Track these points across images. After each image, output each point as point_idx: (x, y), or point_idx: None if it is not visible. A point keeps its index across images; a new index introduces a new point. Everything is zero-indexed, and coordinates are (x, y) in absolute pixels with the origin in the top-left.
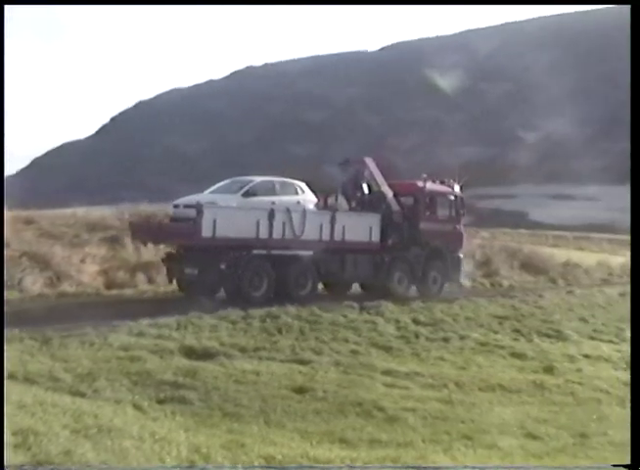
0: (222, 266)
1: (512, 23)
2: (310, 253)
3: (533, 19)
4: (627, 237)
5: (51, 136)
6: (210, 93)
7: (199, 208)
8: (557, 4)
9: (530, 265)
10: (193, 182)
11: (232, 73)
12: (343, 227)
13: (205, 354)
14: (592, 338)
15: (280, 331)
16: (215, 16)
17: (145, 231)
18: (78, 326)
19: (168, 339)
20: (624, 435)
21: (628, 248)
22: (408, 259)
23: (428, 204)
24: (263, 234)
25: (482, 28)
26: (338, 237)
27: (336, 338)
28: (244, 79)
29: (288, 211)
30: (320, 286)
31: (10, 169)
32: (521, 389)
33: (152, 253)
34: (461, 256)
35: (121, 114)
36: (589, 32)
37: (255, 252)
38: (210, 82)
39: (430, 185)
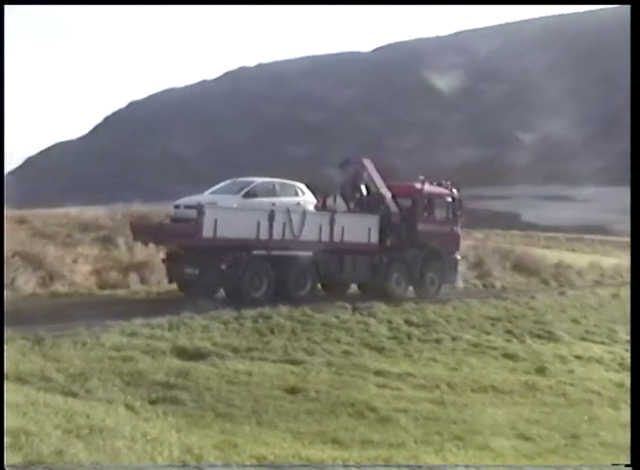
0: (223, 267)
1: (511, 23)
2: (310, 253)
3: (531, 19)
4: (619, 238)
5: (44, 135)
6: (204, 93)
7: (200, 208)
8: (557, 4)
9: (523, 267)
10: (188, 183)
11: (225, 74)
12: (343, 228)
13: (198, 355)
14: (584, 339)
15: (272, 331)
16: (208, 16)
17: (146, 231)
18: (71, 326)
19: (161, 339)
20: (616, 436)
21: (620, 249)
22: (406, 261)
23: (425, 205)
24: (263, 235)
25: (480, 29)
26: (337, 238)
27: (328, 338)
28: (237, 80)
29: (288, 212)
30: (318, 286)
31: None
32: (513, 390)
33: (144, 253)
34: (458, 257)
35: (115, 114)
36: (581, 33)
37: (256, 252)
38: (204, 83)
39: (427, 187)
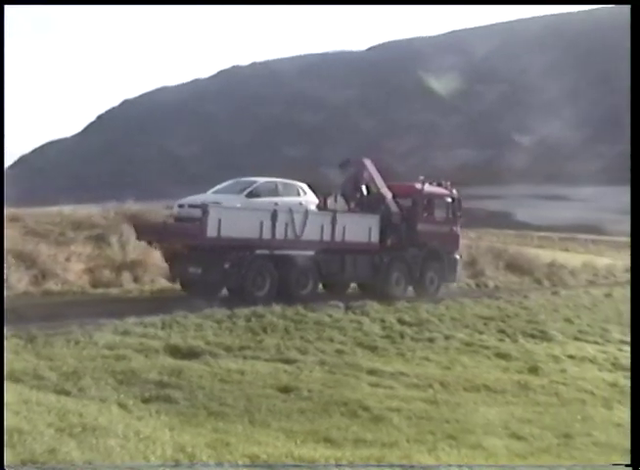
0: (226, 266)
1: (507, 22)
2: (312, 253)
3: (527, 18)
4: (613, 238)
5: (37, 133)
6: (197, 92)
7: (204, 208)
8: (557, 4)
9: (516, 266)
10: (184, 183)
11: (219, 73)
12: (344, 228)
13: (191, 353)
14: (577, 339)
15: (265, 330)
16: (201, 14)
17: (150, 231)
18: (64, 324)
19: (154, 338)
20: (608, 435)
21: (613, 249)
22: (406, 260)
23: (425, 206)
24: (266, 234)
25: (475, 28)
26: (338, 237)
27: (321, 337)
28: (231, 79)
29: (290, 211)
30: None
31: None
32: (505, 389)
33: (137, 251)
34: (457, 257)
35: (108, 112)
36: (572, 32)
37: (259, 252)
38: (197, 81)
39: (428, 187)
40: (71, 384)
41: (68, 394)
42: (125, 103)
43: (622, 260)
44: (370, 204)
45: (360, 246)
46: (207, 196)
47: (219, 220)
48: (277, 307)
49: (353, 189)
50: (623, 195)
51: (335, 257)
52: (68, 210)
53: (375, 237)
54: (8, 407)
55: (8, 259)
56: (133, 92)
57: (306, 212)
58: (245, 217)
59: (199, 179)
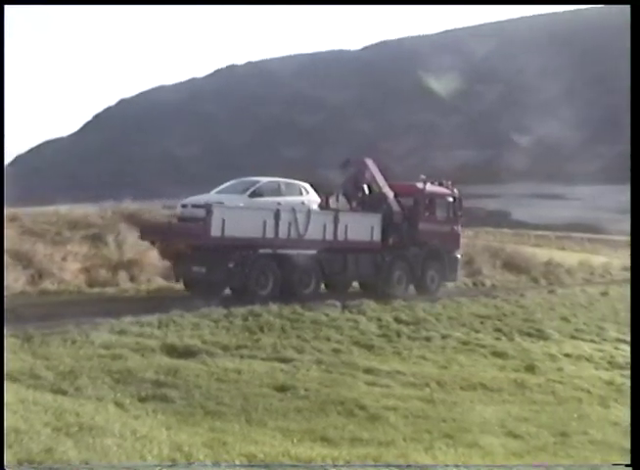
0: (230, 265)
1: (504, 21)
2: (314, 252)
3: (523, 17)
4: (609, 237)
5: (33, 133)
6: (194, 91)
7: (208, 208)
8: (557, 4)
9: (513, 265)
10: (182, 182)
11: (215, 72)
12: (346, 227)
13: (187, 353)
14: (573, 337)
15: (262, 329)
16: (196, 14)
17: (154, 231)
18: (60, 324)
19: (150, 337)
20: (605, 434)
21: (610, 247)
22: (408, 259)
23: (427, 205)
24: (269, 234)
25: (471, 27)
26: (340, 237)
27: (317, 336)
28: (227, 78)
29: (293, 211)
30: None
31: None
32: (502, 388)
33: (134, 251)
34: (458, 256)
35: (105, 111)
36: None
37: (262, 251)
38: (193, 80)
39: (429, 187)
40: (68, 383)
41: (64, 393)
42: (122, 102)
43: (619, 259)
44: (372, 203)
45: (362, 245)
46: (211, 196)
47: (223, 220)
48: (274, 306)
49: (355, 188)
50: (619, 194)
51: (337, 256)
52: (64, 209)
53: (377, 236)
54: (5, 407)
55: (4, 259)
56: (130, 91)
57: (309, 212)
58: (248, 217)
59: (197, 179)
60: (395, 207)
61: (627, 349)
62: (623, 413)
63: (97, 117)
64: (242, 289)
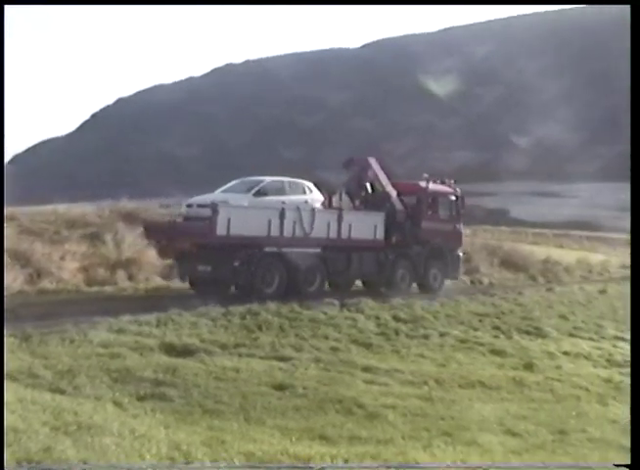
0: (236, 263)
1: (501, 19)
2: (318, 250)
3: (520, 16)
4: (607, 234)
5: (30, 132)
6: (191, 90)
7: (214, 207)
8: (557, 4)
9: (511, 263)
10: (180, 182)
11: (212, 71)
12: (350, 226)
13: (186, 351)
14: (572, 335)
15: (260, 328)
16: (193, 13)
17: (159, 230)
18: (58, 323)
19: (148, 336)
20: (603, 432)
21: (608, 245)
22: (411, 257)
23: (430, 204)
24: (274, 232)
25: (469, 25)
26: (344, 235)
27: (316, 335)
28: (224, 77)
29: (298, 209)
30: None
31: None
32: (500, 386)
33: (132, 250)
34: (460, 254)
35: (102, 110)
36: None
37: (267, 249)
38: (191, 79)
39: (432, 186)
40: (66, 382)
41: (62, 392)
42: (120, 101)
43: (617, 257)
44: (375, 202)
45: (366, 243)
46: (216, 195)
47: (228, 219)
48: (272, 305)
49: (358, 187)
50: (618, 191)
51: (341, 254)
52: (62, 208)
53: (380, 234)
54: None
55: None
56: (127, 91)
57: (313, 210)
58: (253, 216)
59: (195, 179)
60: (398, 205)
61: (625, 346)
62: (622, 411)
63: (94, 116)
64: (247, 287)
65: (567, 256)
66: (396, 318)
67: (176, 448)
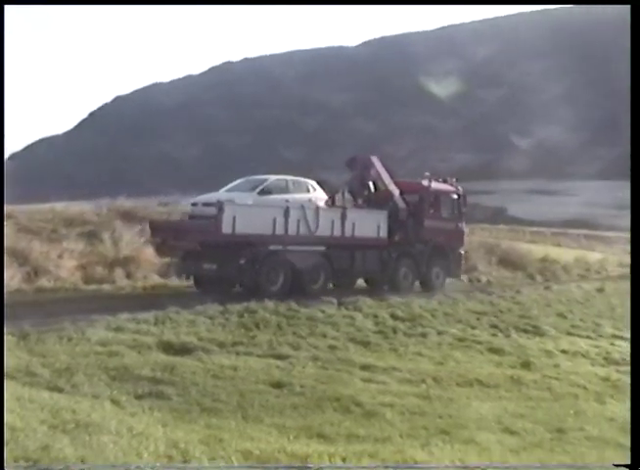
0: (241, 261)
1: (500, 17)
2: (323, 248)
3: (516, 14)
4: (605, 233)
5: (27, 131)
6: (190, 88)
7: (220, 205)
8: (556, 4)
9: (508, 261)
10: (179, 182)
11: (210, 69)
12: (353, 224)
13: (184, 350)
14: (570, 333)
15: (258, 326)
16: (191, 11)
17: (165, 229)
18: (56, 321)
19: (146, 334)
20: (601, 430)
21: (606, 244)
22: (413, 255)
23: (432, 202)
24: (279, 231)
25: (467, 23)
26: (348, 233)
27: (313, 333)
28: (223, 75)
29: (302, 208)
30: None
31: None
32: (498, 384)
33: (130, 248)
34: (462, 252)
35: (100, 109)
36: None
37: (272, 247)
38: (189, 77)
39: (434, 184)
40: (64, 380)
41: (60, 390)
42: (118, 100)
43: (614, 255)
44: (377, 200)
45: (369, 241)
46: (220, 194)
47: (234, 217)
48: (270, 303)
49: (360, 186)
50: (616, 189)
51: (345, 252)
52: (60, 206)
53: (383, 233)
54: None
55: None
56: (125, 89)
57: (317, 209)
58: (258, 214)
59: (196, 183)
60: (401, 204)
61: (623, 345)
62: (619, 409)
63: (92, 114)
64: (252, 285)
65: (564, 254)
66: (394, 317)
67: (174, 447)
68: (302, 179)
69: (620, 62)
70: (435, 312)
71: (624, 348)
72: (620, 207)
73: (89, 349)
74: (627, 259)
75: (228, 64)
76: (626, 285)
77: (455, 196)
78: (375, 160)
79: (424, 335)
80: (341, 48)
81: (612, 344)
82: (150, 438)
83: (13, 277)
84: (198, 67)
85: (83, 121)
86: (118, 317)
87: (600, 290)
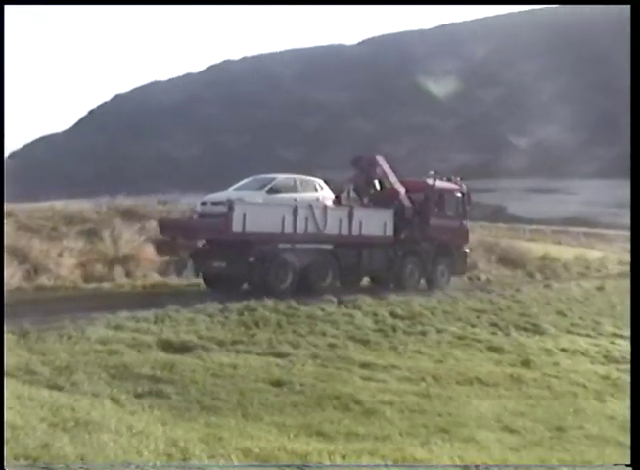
0: (251, 260)
1: (500, 15)
2: (330, 246)
3: (514, 13)
4: (605, 231)
5: (27, 129)
6: (189, 87)
7: (230, 204)
8: (556, 4)
9: (508, 260)
10: (179, 181)
11: (210, 67)
12: (360, 222)
13: (183, 348)
14: (569, 332)
15: (257, 324)
16: (190, 10)
17: (175, 227)
18: (56, 319)
19: (146, 332)
20: (601, 428)
21: (605, 242)
22: (419, 253)
23: (437, 201)
24: (288, 229)
25: (467, 22)
26: (355, 231)
27: (313, 331)
28: (222, 73)
29: (310, 206)
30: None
31: None
32: (498, 382)
33: (130, 246)
34: (467, 250)
35: (99, 107)
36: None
37: (281, 245)
38: (189, 76)
39: (439, 183)
40: (64, 379)
41: (60, 388)
42: (117, 98)
43: (614, 253)
44: (383, 199)
45: (376, 239)
46: (229, 193)
47: (244, 216)
48: (269, 301)
49: (366, 185)
50: (616, 188)
51: (352, 250)
52: (60, 205)
53: (390, 231)
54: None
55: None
56: (124, 87)
57: (325, 207)
58: (267, 213)
59: (195, 184)
60: (407, 202)
61: (623, 343)
62: (619, 407)
63: (92, 112)
64: (261, 283)
65: (564, 252)
66: (394, 315)
67: (174, 445)
68: (310, 178)
69: (620, 61)
70: (435, 311)
71: (624, 346)
72: (620, 205)
73: (89, 347)
74: (627, 257)
75: (227, 62)
76: (626, 283)
77: (459, 194)
78: (380, 159)
79: (423, 333)
80: (340, 47)
81: (611, 342)
82: (149, 436)
83: (13, 275)
84: (197, 65)
85: (82, 120)
86: (118, 316)
87: (600, 288)
